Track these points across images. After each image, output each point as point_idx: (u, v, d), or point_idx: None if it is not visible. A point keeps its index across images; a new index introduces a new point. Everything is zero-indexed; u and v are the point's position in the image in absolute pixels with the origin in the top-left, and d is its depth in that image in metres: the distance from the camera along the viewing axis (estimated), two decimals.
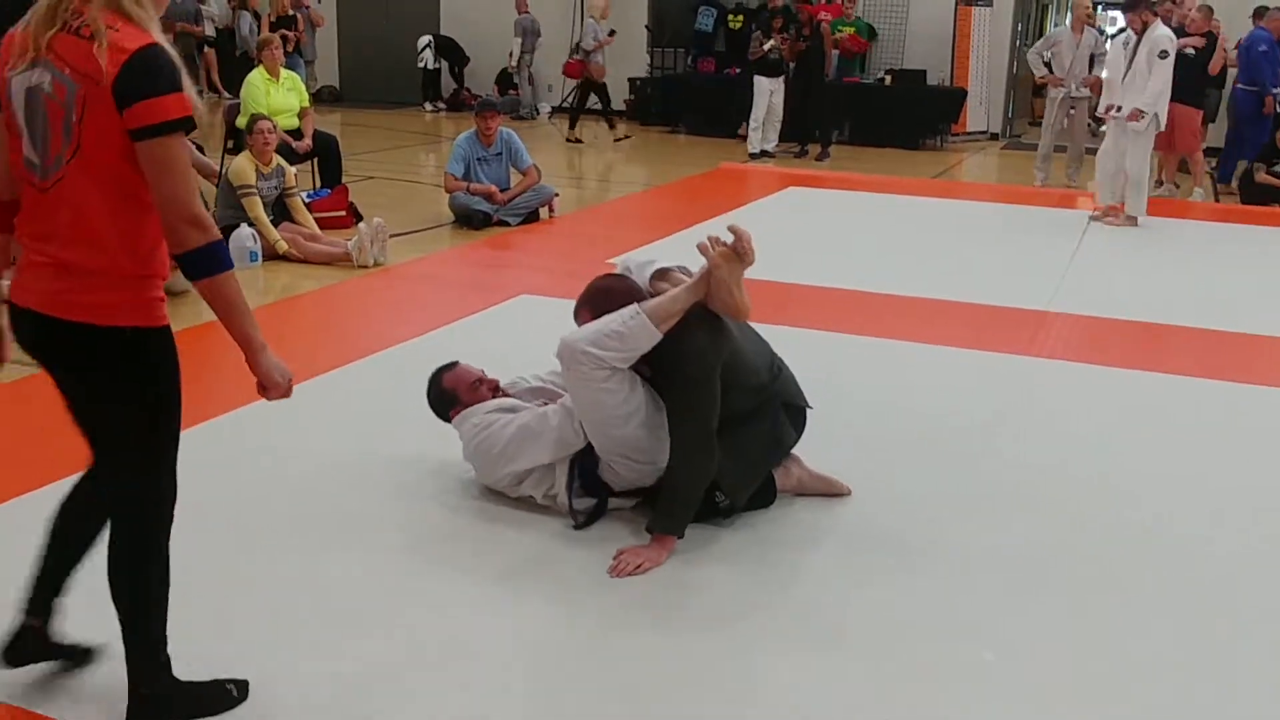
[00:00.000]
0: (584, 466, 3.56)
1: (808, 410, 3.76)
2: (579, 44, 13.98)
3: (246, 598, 3.16)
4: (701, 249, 3.36)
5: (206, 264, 2.36)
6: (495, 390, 3.85)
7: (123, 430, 2.44)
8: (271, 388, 2.59)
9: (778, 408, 3.62)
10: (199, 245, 2.33)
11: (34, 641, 2.67)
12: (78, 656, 2.75)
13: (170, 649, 2.57)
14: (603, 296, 3.53)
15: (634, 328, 3.34)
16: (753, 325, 3.71)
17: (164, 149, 2.28)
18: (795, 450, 3.84)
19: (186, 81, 2.32)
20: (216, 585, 3.20)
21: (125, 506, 2.51)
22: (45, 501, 3.62)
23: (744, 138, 13.18)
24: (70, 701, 2.67)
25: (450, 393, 3.84)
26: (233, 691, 2.67)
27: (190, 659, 2.78)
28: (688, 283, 3.43)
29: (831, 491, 3.87)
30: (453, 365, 3.92)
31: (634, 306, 3.38)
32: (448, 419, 3.85)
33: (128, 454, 2.46)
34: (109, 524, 2.53)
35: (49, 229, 2.35)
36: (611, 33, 13.80)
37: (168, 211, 2.31)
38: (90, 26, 2.26)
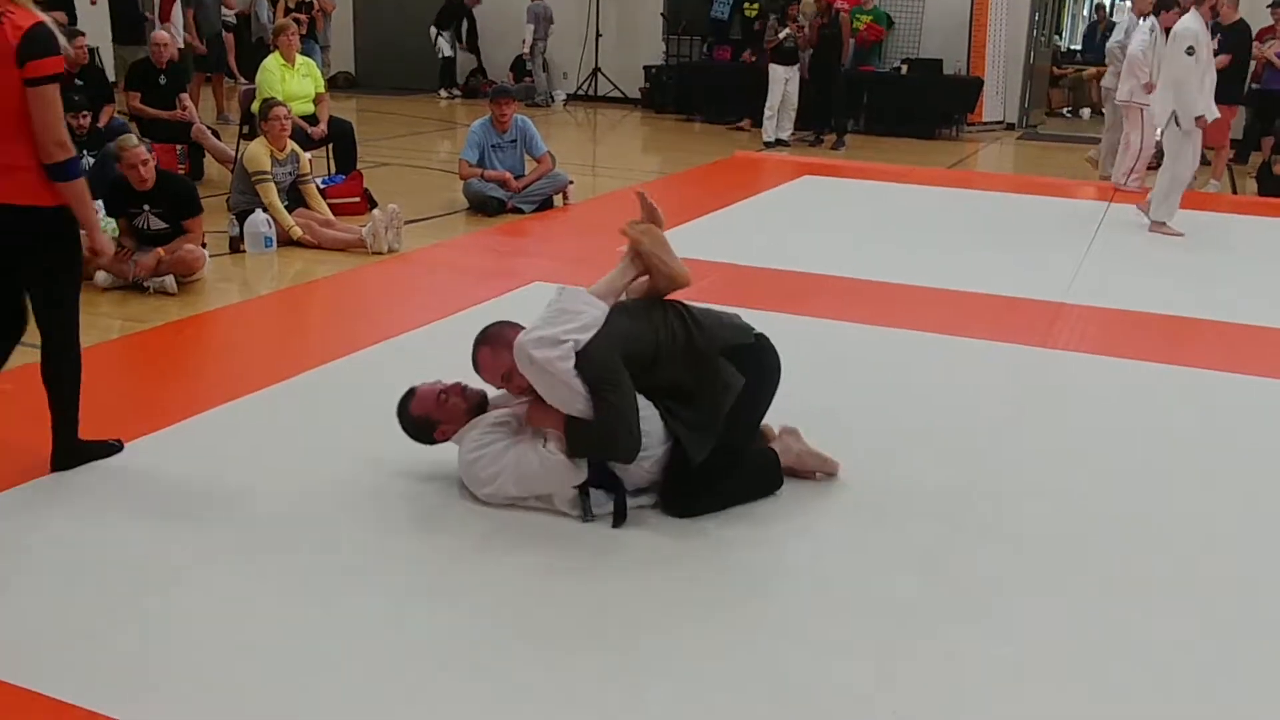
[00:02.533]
0: (598, 467, 3.55)
1: (760, 343, 3.76)
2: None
3: (249, 584, 3.17)
4: (622, 232, 3.68)
5: (65, 172, 3.50)
6: (462, 393, 3.75)
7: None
8: (102, 253, 4.00)
9: (714, 359, 3.62)
10: (61, 160, 3.48)
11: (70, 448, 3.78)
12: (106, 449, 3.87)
13: (177, 630, 2.60)
14: (496, 336, 3.61)
15: (574, 299, 3.51)
16: (753, 312, 3.73)
17: (45, 93, 3.43)
18: (796, 425, 3.88)
19: (62, 45, 3.50)
20: (222, 571, 3.22)
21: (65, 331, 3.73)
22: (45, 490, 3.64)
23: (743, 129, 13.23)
24: (73, 683, 2.69)
25: (424, 419, 3.74)
26: (115, 444, 3.92)
27: (199, 640, 2.81)
28: (618, 266, 3.69)
29: (825, 469, 3.91)
30: (411, 393, 3.79)
31: (564, 288, 3.61)
32: (435, 443, 3.77)
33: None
34: (52, 344, 3.73)
35: None
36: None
37: (42, 135, 3.44)
38: None
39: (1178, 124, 8.11)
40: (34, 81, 3.41)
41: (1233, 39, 10.24)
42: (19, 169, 3.47)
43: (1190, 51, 7.93)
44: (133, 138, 6.27)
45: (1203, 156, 10.71)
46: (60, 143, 3.48)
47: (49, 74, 3.44)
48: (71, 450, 3.81)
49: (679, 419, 3.56)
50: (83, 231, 3.70)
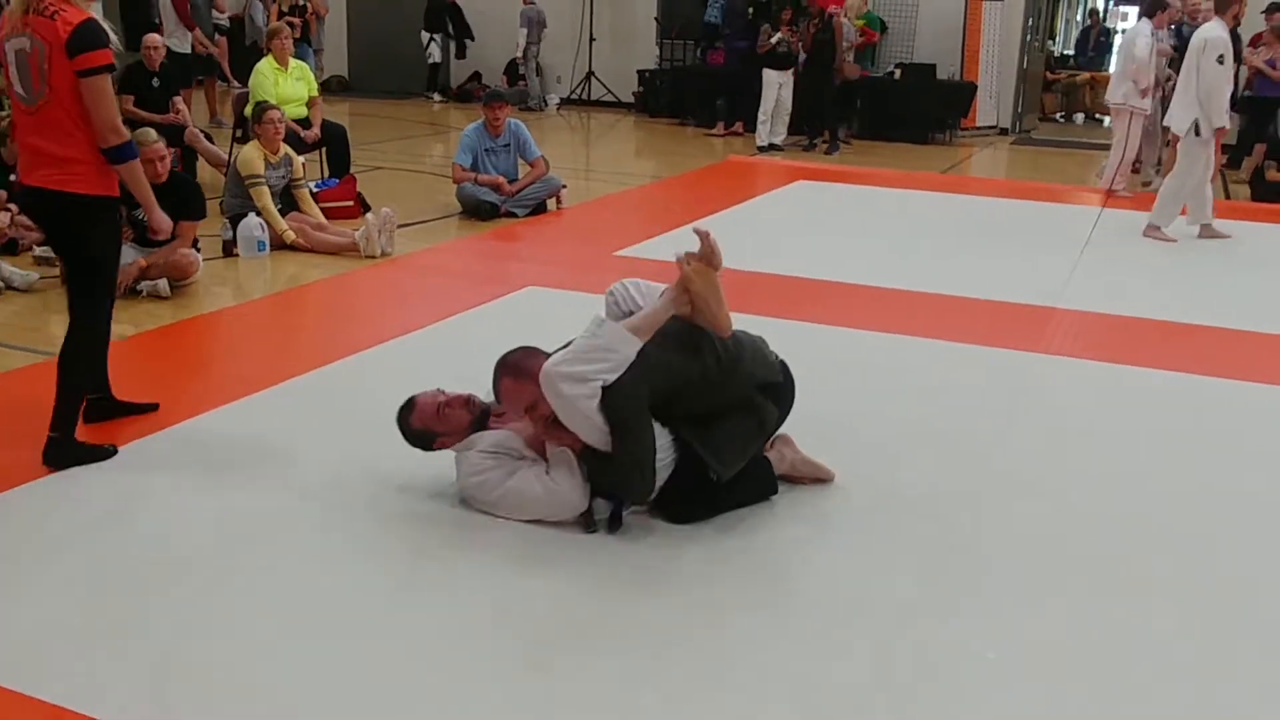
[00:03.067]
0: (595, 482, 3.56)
1: (791, 384, 3.80)
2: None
3: (249, 587, 3.16)
4: (677, 262, 3.53)
5: (120, 155, 3.80)
6: (466, 405, 3.72)
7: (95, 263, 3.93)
8: (160, 231, 4.15)
9: (752, 392, 3.64)
10: (116, 144, 3.77)
11: (103, 407, 4.18)
12: (144, 409, 4.26)
13: (178, 632, 2.61)
14: (520, 368, 3.55)
15: (611, 336, 3.42)
16: (746, 317, 3.72)
17: (96, 84, 3.70)
18: (790, 433, 3.88)
19: (113, 40, 3.79)
20: (221, 574, 3.22)
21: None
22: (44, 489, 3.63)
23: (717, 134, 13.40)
24: (73, 688, 2.68)
25: (425, 431, 3.73)
26: (109, 449, 3.96)
27: (200, 642, 2.80)
28: (663, 298, 3.55)
29: (819, 476, 3.91)
30: (411, 404, 3.77)
31: (604, 320, 3.50)
32: (434, 450, 3.76)
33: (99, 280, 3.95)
34: (76, 326, 3.93)
35: (44, 136, 3.76)
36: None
37: (98, 122, 3.73)
38: (49, 8, 3.67)
39: (1197, 132, 8.10)
40: (85, 73, 3.69)
41: None
42: (72, 160, 3.76)
43: (1221, 60, 7.93)
44: (152, 132, 6.25)
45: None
46: (114, 128, 3.76)
47: (98, 65, 3.70)
48: (66, 448, 3.87)
49: (706, 447, 3.53)
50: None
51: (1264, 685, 2.89)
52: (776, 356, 3.83)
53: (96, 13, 3.84)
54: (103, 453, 3.93)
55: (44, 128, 3.76)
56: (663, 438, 3.51)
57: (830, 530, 3.64)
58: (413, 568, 3.34)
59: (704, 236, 3.55)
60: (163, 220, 4.13)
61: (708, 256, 3.55)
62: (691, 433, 3.54)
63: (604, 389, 3.35)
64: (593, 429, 3.40)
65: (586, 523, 3.53)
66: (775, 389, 3.74)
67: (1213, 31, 8.03)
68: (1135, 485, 4.06)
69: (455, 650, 2.91)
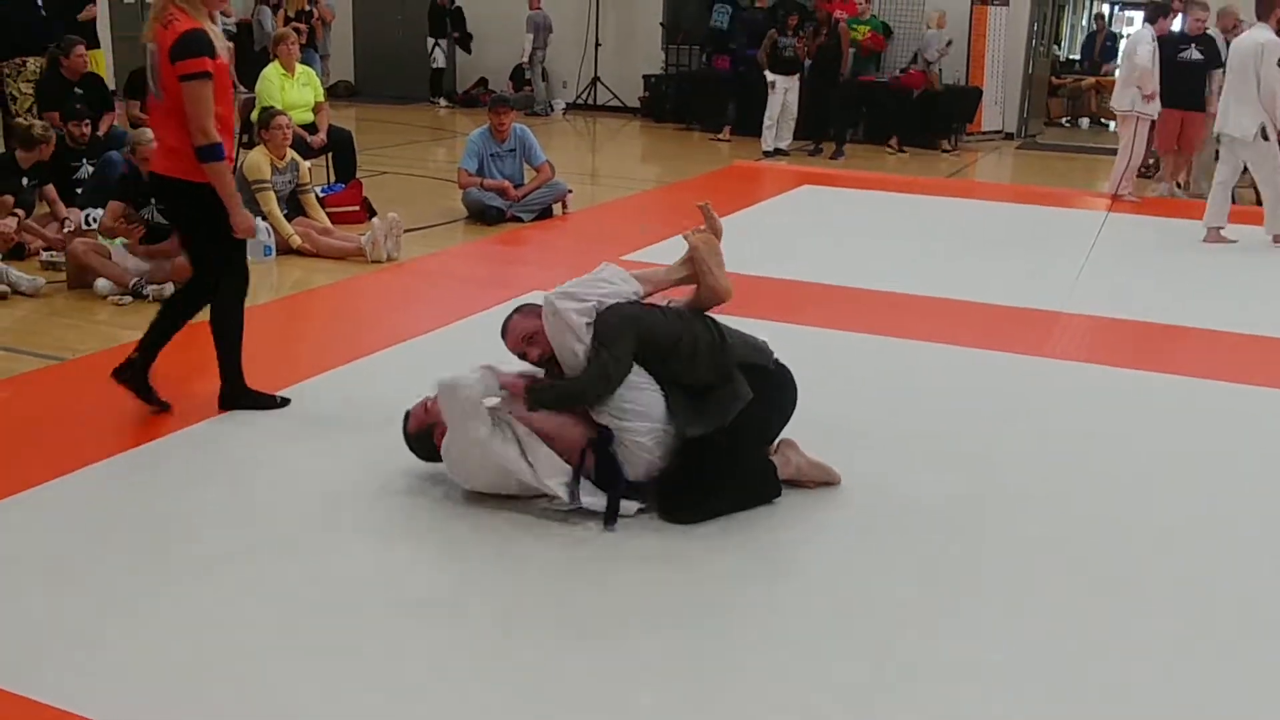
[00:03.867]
0: (600, 457, 3.58)
1: (778, 369, 3.88)
2: (919, 54, 13.89)
3: (250, 589, 3.17)
4: (684, 237, 3.85)
5: (207, 155, 4.14)
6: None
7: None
8: (242, 230, 4.29)
9: (730, 369, 3.73)
10: (203, 145, 4.12)
11: (136, 372, 4.32)
12: (156, 403, 4.37)
13: (176, 634, 2.62)
14: (530, 307, 3.80)
15: (613, 273, 3.75)
16: (752, 321, 3.76)
17: (192, 88, 4.07)
18: (794, 438, 3.90)
19: (220, 49, 4.15)
20: (220, 574, 3.23)
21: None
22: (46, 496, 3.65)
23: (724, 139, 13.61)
24: (71, 689, 2.68)
25: (421, 430, 3.81)
26: (279, 398, 4.52)
27: (197, 647, 2.81)
28: (671, 265, 3.87)
29: (826, 479, 3.92)
30: (405, 417, 3.87)
31: (607, 263, 3.82)
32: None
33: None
34: (219, 296, 4.39)
35: (162, 128, 4.29)
36: (949, 43, 13.79)
37: (191, 123, 4.10)
38: (167, 19, 4.08)
39: (1265, 136, 8.08)
40: (182, 77, 4.07)
41: (1214, 49, 10.26)
42: (178, 151, 4.18)
43: (1279, 62, 7.98)
44: (148, 133, 6.25)
45: (1190, 164, 10.79)
46: (202, 130, 4.10)
47: (193, 72, 4.06)
48: (238, 393, 4.44)
49: (681, 403, 3.64)
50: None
51: (1264, 686, 2.89)
52: (776, 359, 3.86)
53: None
54: (272, 401, 4.49)
55: (162, 120, 4.25)
56: (649, 383, 3.64)
57: (831, 532, 3.64)
58: (413, 569, 3.35)
59: (704, 208, 3.96)
60: (245, 219, 4.29)
61: (710, 225, 3.93)
62: (674, 393, 3.66)
63: (597, 313, 3.59)
64: (578, 347, 3.58)
65: (570, 494, 3.57)
66: (761, 372, 3.79)
67: (1266, 35, 8.10)
68: (1139, 489, 4.06)
69: (454, 649, 2.92)
